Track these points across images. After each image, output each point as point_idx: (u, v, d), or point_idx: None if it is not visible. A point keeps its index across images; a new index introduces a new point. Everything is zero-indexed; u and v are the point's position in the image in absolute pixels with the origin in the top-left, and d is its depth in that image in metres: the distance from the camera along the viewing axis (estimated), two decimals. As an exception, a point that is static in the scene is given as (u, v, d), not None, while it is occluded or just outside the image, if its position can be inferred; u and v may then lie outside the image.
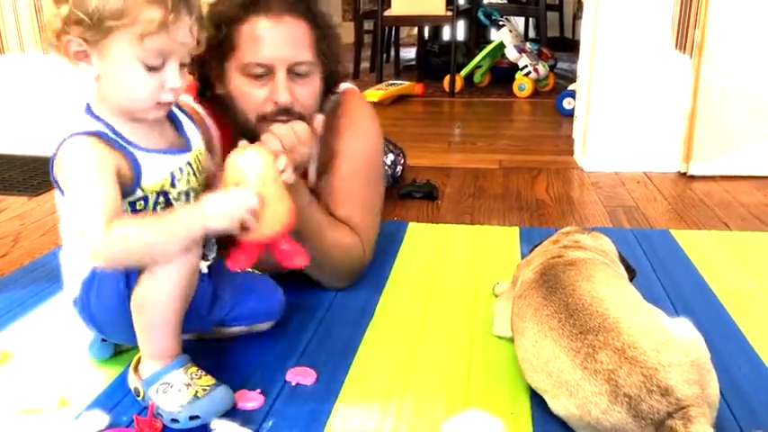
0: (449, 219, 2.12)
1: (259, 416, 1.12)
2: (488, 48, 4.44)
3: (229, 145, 1.46)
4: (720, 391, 1.02)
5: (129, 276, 1.10)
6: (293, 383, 1.21)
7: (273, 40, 1.34)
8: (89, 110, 1.11)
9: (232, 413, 1.12)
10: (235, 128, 1.44)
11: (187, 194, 1.15)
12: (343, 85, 1.57)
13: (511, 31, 4.24)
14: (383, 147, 1.65)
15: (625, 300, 1.11)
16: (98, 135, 1.07)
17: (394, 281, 1.64)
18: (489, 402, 1.15)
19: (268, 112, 1.36)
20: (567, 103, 3.61)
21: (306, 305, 1.50)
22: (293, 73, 1.36)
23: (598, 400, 0.97)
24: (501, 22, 4.26)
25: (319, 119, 1.41)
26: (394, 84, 4.24)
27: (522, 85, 4.18)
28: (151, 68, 1.07)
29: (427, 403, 1.16)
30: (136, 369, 1.16)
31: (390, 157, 2.37)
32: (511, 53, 4.21)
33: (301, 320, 1.44)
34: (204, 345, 1.33)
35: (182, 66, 1.10)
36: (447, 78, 4.31)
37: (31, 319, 1.47)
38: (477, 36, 5.21)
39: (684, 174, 2.56)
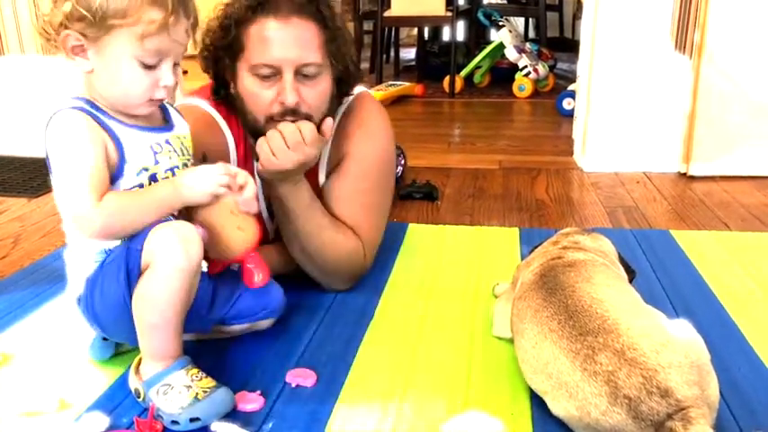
0: (449, 219, 2.12)
1: (259, 417, 1.13)
2: (488, 48, 4.43)
3: (243, 144, 1.48)
4: (720, 392, 1.02)
5: (130, 275, 1.11)
6: (293, 385, 1.21)
7: (281, 41, 1.34)
8: (76, 97, 1.14)
9: (232, 415, 1.12)
10: (245, 127, 1.45)
11: (173, 171, 1.18)
12: (358, 89, 1.57)
13: (511, 31, 4.24)
14: (395, 151, 1.64)
15: (625, 301, 1.11)
16: (82, 110, 1.11)
17: (394, 282, 1.64)
18: (489, 403, 1.15)
19: (275, 113, 1.37)
20: (566, 104, 3.61)
21: (306, 306, 1.50)
22: (301, 74, 1.36)
23: (598, 401, 0.97)
24: (501, 23, 4.26)
25: (328, 122, 1.41)
26: (394, 84, 4.24)
27: (522, 85, 4.18)
28: (147, 66, 1.10)
29: (427, 404, 1.16)
30: (137, 370, 1.16)
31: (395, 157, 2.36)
32: (511, 53, 4.21)
33: (301, 322, 1.44)
34: (204, 346, 1.33)
35: (175, 65, 1.14)
36: (447, 79, 4.31)
37: (31, 320, 1.47)
38: (477, 36, 5.21)
39: (684, 174, 2.56)
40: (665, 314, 1.11)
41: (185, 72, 1.59)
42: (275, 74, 1.35)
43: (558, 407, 1.05)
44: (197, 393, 1.10)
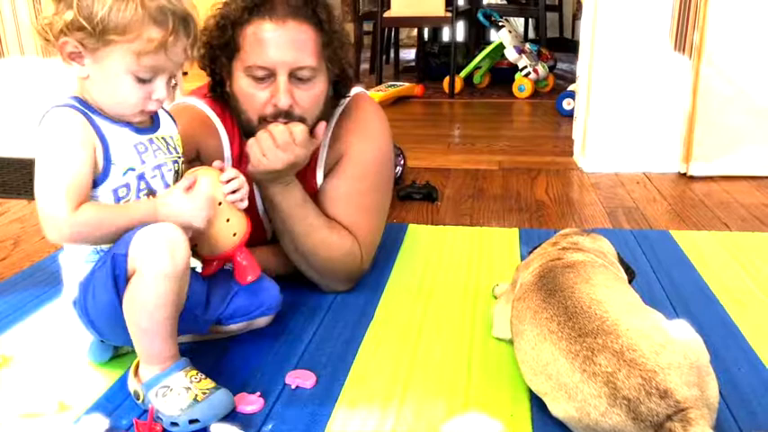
0: (448, 220, 2.12)
1: (259, 419, 1.12)
2: (488, 49, 4.43)
3: (238, 142, 1.48)
4: (720, 393, 1.02)
5: (118, 281, 1.11)
6: (293, 386, 1.21)
7: (276, 43, 1.34)
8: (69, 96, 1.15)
9: (232, 416, 1.12)
10: (239, 127, 1.45)
11: (160, 169, 1.19)
12: (354, 90, 1.56)
13: (510, 31, 4.24)
14: (392, 152, 1.64)
15: (624, 302, 1.11)
16: (76, 109, 1.12)
17: (393, 283, 1.64)
18: (489, 404, 1.15)
19: (268, 114, 1.37)
20: (566, 104, 3.61)
21: (305, 307, 1.50)
22: (295, 77, 1.36)
23: (597, 402, 0.97)
24: (500, 23, 4.26)
25: (321, 126, 1.41)
26: (394, 85, 4.24)
27: (522, 85, 4.18)
28: (141, 81, 1.12)
29: (427, 405, 1.16)
30: (136, 372, 1.16)
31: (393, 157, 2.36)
32: (510, 54, 4.21)
33: (301, 323, 1.44)
34: (203, 347, 1.33)
35: (170, 78, 1.15)
36: (447, 79, 4.31)
37: (30, 322, 1.47)
38: (477, 37, 5.21)
39: (684, 174, 2.56)
40: (665, 314, 1.11)
41: (185, 73, 1.60)
42: (270, 76, 1.35)
43: (557, 408, 1.05)
44: (196, 395, 1.10)
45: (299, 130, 1.34)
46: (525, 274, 1.27)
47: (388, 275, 1.68)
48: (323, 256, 1.47)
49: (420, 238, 1.93)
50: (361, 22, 5.15)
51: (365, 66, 5.09)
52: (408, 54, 5.90)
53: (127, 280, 1.10)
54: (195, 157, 1.40)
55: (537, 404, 1.12)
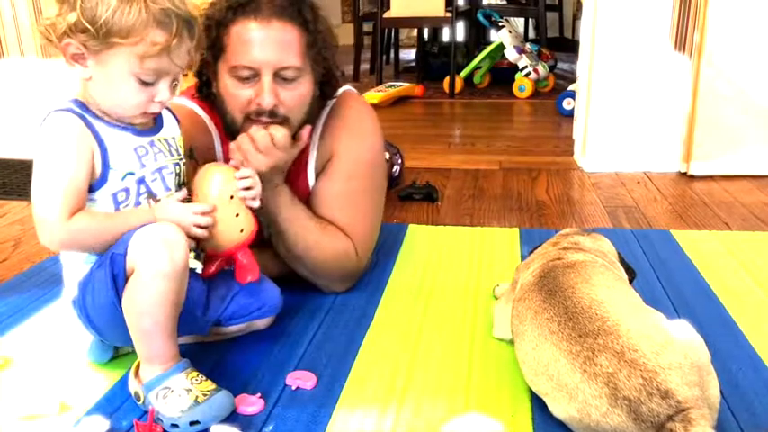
0: (449, 220, 2.12)
1: (259, 420, 1.12)
2: (488, 49, 4.43)
3: (228, 141, 1.48)
4: (721, 393, 1.02)
5: (117, 281, 1.11)
6: (293, 387, 1.21)
7: (260, 43, 1.33)
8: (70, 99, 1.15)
9: (232, 417, 1.12)
10: (225, 127, 1.45)
11: (160, 172, 1.19)
12: (342, 89, 1.56)
13: (510, 31, 4.24)
14: (384, 150, 1.64)
15: (624, 302, 1.11)
16: (74, 113, 1.12)
17: (394, 283, 1.64)
18: (490, 405, 1.15)
19: (252, 113, 1.37)
20: (566, 104, 3.61)
21: (306, 308, 1.50)
22: (280, 77, 1.35)
23: (598, 403, 0.97)
24: (500, 23, 4.26)
25: (306, 130, 1.41)
26: (394, 85, 4.24)
27: (522, 85, 4.18)
28: (144, 83, 1.11)
29: (427, 406, 1.16)
30: (136, 373, 1.16)
31: (385, 155, 2.36)
32: (510, 54, 4.21)
33: (301, 324, 1.44)
34: (204, 348, 1.33)
35: (173, 80, 1.15)
36: (447, 79, 4.31)
37: (31, 324, 1.47)
38: (477, 37, 5.21)
39: (685, 174, 2.56)
40: (666, 314, 1.11)
41: (185, 74, 1.60)
42: (254, 76, 1.34)
43: (558, 408, 1.05)
44: (197, 396, 1.10)
45: (281, 135, 1.34)
46: (526, 275, 1.27)
47: (389, 276, 1.67)
48: (315, 257, 1.47)
49: (420, 239, 1.93)
50: (361, 23, 5.15)
51: (365, 66, 5.08)
52: (408, 54, 5.90)
53: (126, 279, 1.10)
54: (190, 155, 1.40)
55: (538, 405, 1.12)
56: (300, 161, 1.50)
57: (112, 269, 1.10)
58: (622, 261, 1.37)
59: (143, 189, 1.17)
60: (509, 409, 1.14)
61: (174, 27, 1.08)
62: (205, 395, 1.10)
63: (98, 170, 1.12)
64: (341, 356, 1.31)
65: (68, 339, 1.34)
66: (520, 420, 1.11)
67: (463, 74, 4.45)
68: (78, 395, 1.20)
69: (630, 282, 1.33)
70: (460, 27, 4.96)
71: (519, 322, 1.18)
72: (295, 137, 1.40)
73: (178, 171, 1.23)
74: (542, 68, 4.23)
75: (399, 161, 2.44)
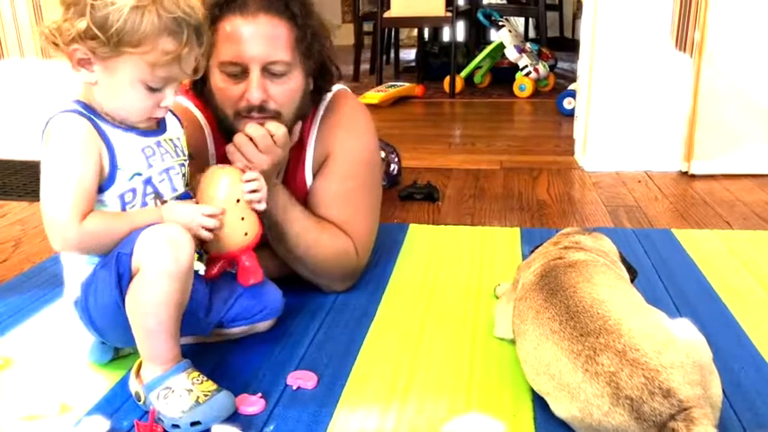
0: (449, 220, 2.12)
1: (260, 420, 1.12)
2: (488, 48, 4.43)
3: (221, 140, 1.48)
4: (723, 392, 1.02)
5: (122, 280, 1.11)
6: (294, 387, 1.21)
7: (247, 38, 1.33)
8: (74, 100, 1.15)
9: (233, 418, 1.12)
10: (217, 123, 1.45)
11: (167, 173, 1.19)
12: (336, 87, 1.56)
13: (511, 31, 4.24)
14: (379, 148, 1.63)
15: (626, 301, 1.11)
16: (82, 115, 1.11)
17: (395, 283, 1.64)
18: (491, 405, 1.15)
19: (242, 109, 1.36)
20: (567, 103, 3.60)
21: (306, 308, 1.49)
22: (269, 72, 1.35)
23: (600, 402, 0.97)
24: (501, 23, 4.26)
25: (298, 127, 1.41)
26: (394, 85, 4.24)
27: (523, 85, 4.18)
28: (152, 89, 1.11)
29: (429, 406, 1.16)
30: (137, 373, 1.16)
31: (381, 154, 2.35)
32: (511, 53, 4.21)
33: (302, 323, 1.44)
34: (205, 349, 1.32)
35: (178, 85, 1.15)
36: (447, 79, 4.31)
37: (31, 324, 1.47)
38: (477, 37, 5.21)
39: (686, 173, 2.55)
40: (667, 313, 1.10)
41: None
42: (243, 72, 1.34)
43: (560, 408, 1.04)
44: (198, 397, 1.09)
45: (281, 132, 1.34)
46: (527, 274, 1.27)
47: (390, 276, 1.67)
48: (315, 257, 1.47)
49: (421, 238, 1.93)
50: (362, 23, 5.14)
51: (365, 66, 5.08)
52: (408, 54, 5.90)
53: (131, 279, 1.10)
54: (190, 155, 1.40)
55: (539, 404, 1.12)
56: (297, 160, 1.50)
57: (118, 268, 1.10)
58: (624, 260, 1.37)
59: (149, 189, 1.16)
60: (510, 408, 1.14)
61: (185, 36, 1.08)
62: (206, 395, 1.10)
63: (106, 170, 1.12)
64: (342, 356, 1.31)
65: (69, 340, 1.33)
66: (521, 420, 1.11)
67: (463, 73, 4.45)
68: (79, 395, 1.20)
69: (632, 281, 1.33)
70: (461, 27, 4.96)
71: (520, 322, 1.18)
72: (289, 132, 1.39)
73: (184, 172, 1.23)
74: (543, 68, 4.23)
75: (396, 160, 2.43)
